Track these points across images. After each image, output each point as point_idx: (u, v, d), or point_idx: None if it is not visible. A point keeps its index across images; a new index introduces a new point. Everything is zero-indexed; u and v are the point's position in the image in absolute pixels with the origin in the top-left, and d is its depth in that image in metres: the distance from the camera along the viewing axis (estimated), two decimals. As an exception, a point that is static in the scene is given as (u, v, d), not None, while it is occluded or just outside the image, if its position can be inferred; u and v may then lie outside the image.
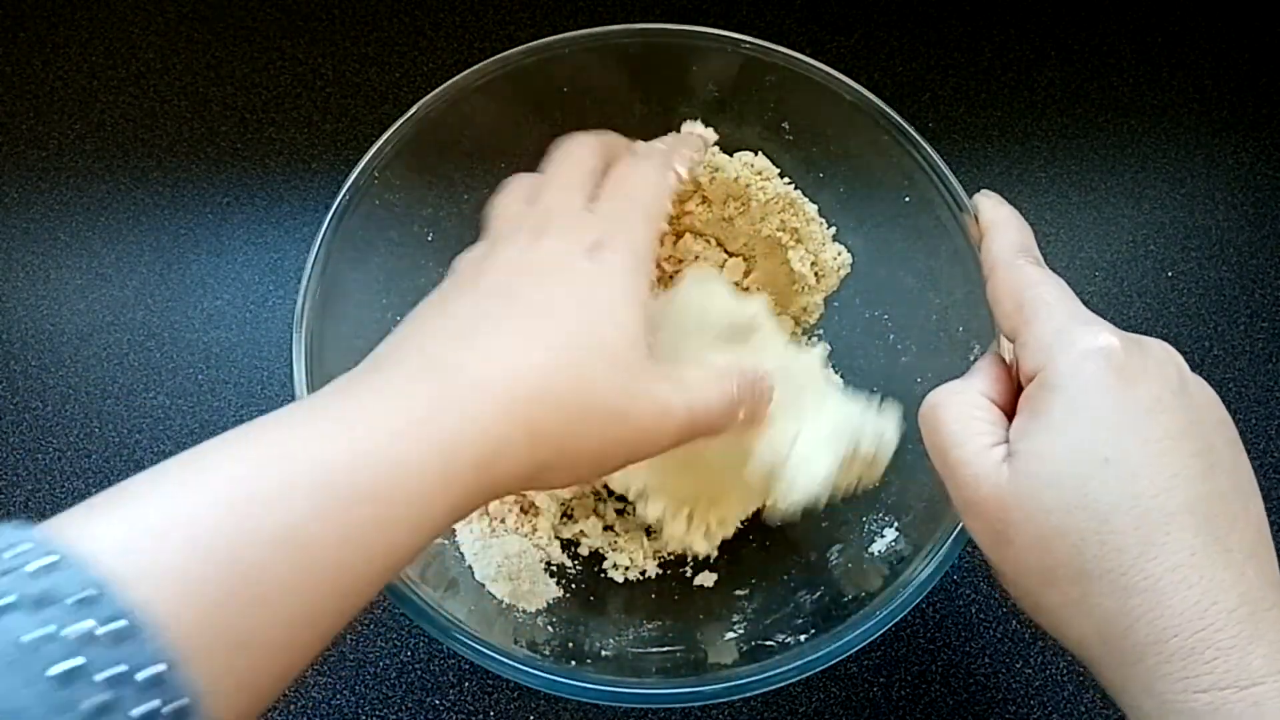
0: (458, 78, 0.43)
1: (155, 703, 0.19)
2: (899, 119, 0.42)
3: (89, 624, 0.19)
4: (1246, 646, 0.26)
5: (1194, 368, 0.54)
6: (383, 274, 0.44)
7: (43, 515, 0.52)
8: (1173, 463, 0.27)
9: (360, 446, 0.24)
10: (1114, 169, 0.57)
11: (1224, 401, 0.54)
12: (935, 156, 0.41)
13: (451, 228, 0.46)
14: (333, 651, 0.46)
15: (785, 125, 0.45)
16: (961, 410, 0.31)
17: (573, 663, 0.39)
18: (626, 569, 0.45)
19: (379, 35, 0.59)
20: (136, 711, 0.19)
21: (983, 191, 0.36)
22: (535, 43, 0.43)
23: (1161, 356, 0.30)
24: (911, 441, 0.41)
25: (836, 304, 0.47)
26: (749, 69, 0.44)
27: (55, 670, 0.18)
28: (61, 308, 0.53)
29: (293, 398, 0.38)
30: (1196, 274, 0.55)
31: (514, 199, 0.36)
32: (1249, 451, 0.50)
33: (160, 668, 0.19)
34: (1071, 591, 0.28)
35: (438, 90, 0.42)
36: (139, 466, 0.51)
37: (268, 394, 0.51)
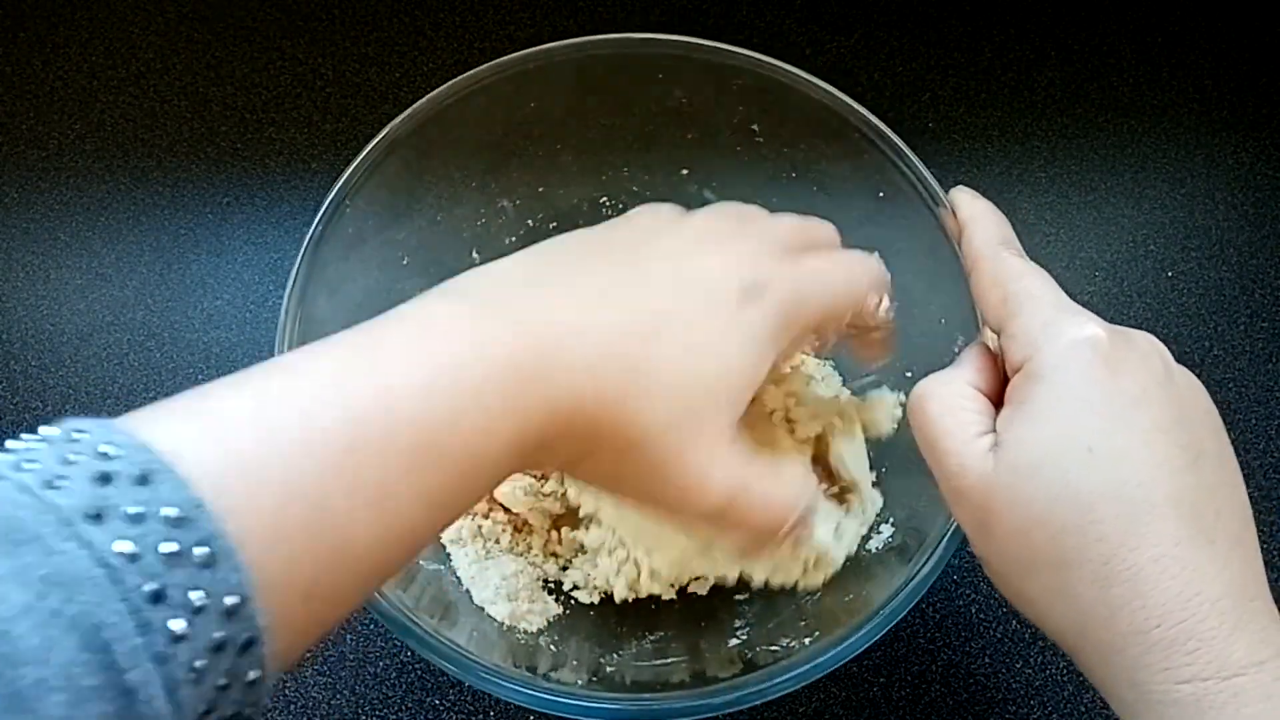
0: (423, 100, 0.42)
1: (225, 632, 0.19)
2: (868, 114, 0.42)
3: (178, 544, 0.18)
4: (1229, 637, 0.26)
5: (1194, 368, 0.54)
6: (359, 300, 0.43)
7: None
8: (1158, 454, 0.27)
9: (405, 376, 0.24)
10: (1114, 169, 0.57)
11: (1225, 402, 0.54)
12: (907, 150, 0.41)
13: (427, 249, 0.46)
14: (332, 651, 0.46)
15: (755, 128, 0.45)
16: (949, 401, 0.31)
17: (578, 682, 0.39)
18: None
19: (379, 35, 0.59)
20: (212, 640, 0.19)
21: (958, 187, 0.37)
22: (491, 63, 0.43)
23: (1147, 348, 0.30)
24: (906, 437, 0.41)
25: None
26: (714, 74, 0.44)
27: (148, 588, 0.18)
28: (61, 308, 0.53)
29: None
30: (1196, 274, 0.55)
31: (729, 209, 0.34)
32: (1250, 451, 0.51)
33: (236, 600, 0.19)
34: (1053, 581, 0.28)
35: (405, 114, 0.41)
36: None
37: (268, 394, 0.51)
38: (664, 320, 0.28)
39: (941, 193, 0.39)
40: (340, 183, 0.41)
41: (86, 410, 0.50)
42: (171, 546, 0.18)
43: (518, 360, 0.25)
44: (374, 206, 0.42)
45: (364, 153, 0.41)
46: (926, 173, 0.40)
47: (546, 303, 0.28)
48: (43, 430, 0.20)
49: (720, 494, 0.29)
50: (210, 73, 0.58)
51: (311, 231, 0.40)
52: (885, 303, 0.35)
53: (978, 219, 0.34)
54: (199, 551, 0.19)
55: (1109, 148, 0.58)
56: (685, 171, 0.48)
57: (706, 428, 0.29)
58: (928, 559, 0.37)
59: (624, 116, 0.46)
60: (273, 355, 0.39)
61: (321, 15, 0.60)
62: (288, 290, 0.39)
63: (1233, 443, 0.50)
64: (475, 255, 0.48)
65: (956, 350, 0.38)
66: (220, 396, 0.22)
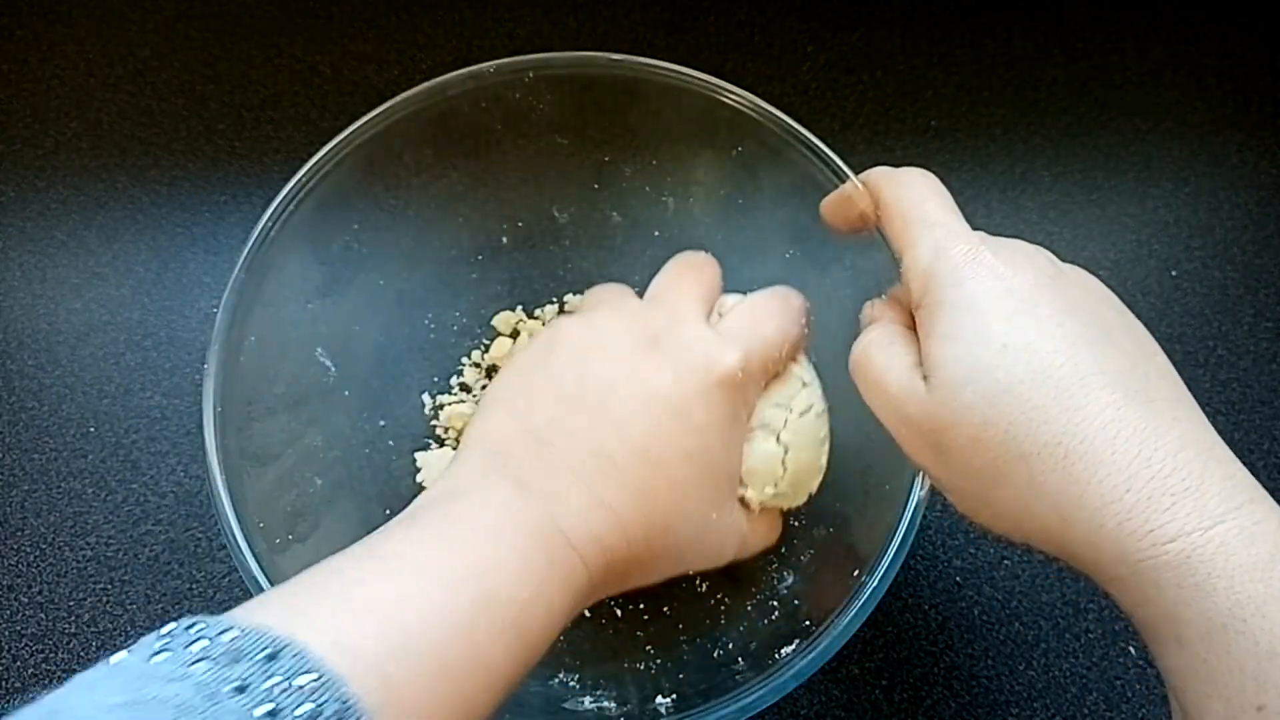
0: (347, 131, 0.42)
1: None
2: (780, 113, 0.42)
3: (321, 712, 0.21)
4: (1200, 487, 0.26)
5: (1197, 368, 0.53)
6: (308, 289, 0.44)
7: (38, 515, 0.51)
8: (1068, 334, 0.28)
9: (492, 561, 0.28)
10: (1118, 168, 0.57)
11: (1229, 402, 0.53)
12: (800, 128, 0.41)
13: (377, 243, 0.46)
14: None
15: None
16: (881, 345, 0.32)
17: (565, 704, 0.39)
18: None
19: (376, 32, 0.59)
20: None
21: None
22: (394, 100, 0.43)
23: (1030, 250, 0.31)
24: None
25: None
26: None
27: None
28: (58, 307, 0.53)
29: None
30: (1200, 274, 0.55)
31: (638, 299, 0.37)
32: (1254, 452, 0.50)
33: None
34: (1018, 479, 0.28)
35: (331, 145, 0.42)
36: (135, 467, 0.51)
37: (265, 394, 0.51)
38: (655, 460, 0.32)
39: (840, 161, 0.40)
40: (265, 218, 0.41)
41: (82, 410, 0.50)
42: (309, 709, 0.21)
43: (567, 544, 0.30)
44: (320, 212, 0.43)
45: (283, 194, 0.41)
46: (842, 163, 0.41)
47: (580, 487, 0.31)
48: (225, 636, 0.22)
49: (730, 556, 0.36)
50: (208, 70, 0.58)
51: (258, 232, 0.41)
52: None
53: (892, 171, 0.35)
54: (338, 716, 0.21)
55: (1113, 146, 0.58)
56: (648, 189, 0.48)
57: (713, 517, 0.34)
58: (900, 522, 0.36)
59: (532, 137, 0.46)
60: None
61: (319, 13, 0.59)
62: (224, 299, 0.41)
63: (1236, 442, 0.50)
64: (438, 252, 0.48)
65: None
66: (365, 592, 0.25)
